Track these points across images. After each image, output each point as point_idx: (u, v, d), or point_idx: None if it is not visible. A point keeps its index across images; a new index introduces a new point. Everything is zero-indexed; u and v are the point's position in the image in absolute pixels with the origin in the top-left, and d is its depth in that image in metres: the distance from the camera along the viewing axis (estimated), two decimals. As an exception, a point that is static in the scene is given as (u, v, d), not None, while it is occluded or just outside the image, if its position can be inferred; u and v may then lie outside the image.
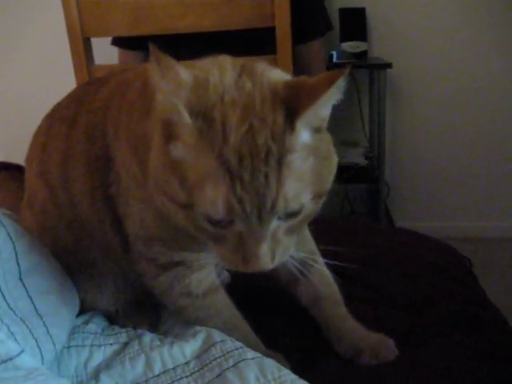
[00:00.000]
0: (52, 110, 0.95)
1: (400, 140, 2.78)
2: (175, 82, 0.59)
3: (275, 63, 1.43)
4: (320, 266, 0.93)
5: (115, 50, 1.84)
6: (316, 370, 0.80)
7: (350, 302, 1.00)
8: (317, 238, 1.04)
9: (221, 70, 0.65)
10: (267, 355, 0.78)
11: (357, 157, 2.53)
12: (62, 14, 1.46)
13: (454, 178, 2.82)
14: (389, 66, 2.35)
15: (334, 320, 0.90)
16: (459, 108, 2.73)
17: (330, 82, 0.60)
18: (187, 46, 1.62)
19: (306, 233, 0.95)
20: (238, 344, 0.80)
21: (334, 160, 0.69)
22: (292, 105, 0.60)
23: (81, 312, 0.94)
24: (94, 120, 0.84)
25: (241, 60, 0.69)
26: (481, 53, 2.63)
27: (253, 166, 0.58)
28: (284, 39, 1.43)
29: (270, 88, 0.62)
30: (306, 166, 0.62)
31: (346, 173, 2.46)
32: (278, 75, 0.67)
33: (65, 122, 0.88)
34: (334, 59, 2.41)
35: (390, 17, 2.64)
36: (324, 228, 1.21)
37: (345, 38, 2.50)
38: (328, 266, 1.10)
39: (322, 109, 0.63)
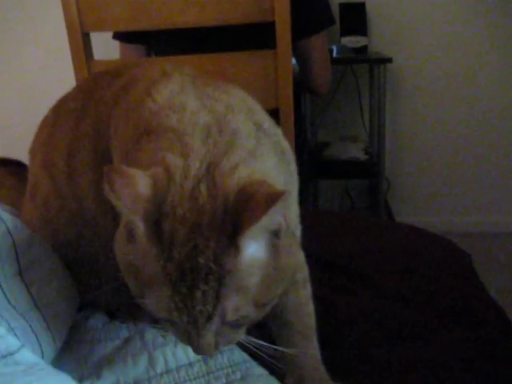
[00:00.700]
0: (59, 101, 0.94)
1: (400, 135, 2.78)
2: (133, 197, 0.58)
3: (275, 58, 1.42)
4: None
5: (115, 45, 1.83)
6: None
7: (349, 296, 1.00)
8: (316, 233, 1.04)
9: (190, 159, 0.63)
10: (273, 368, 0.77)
11: (357, 152, 2.53)
12: (60, 8, 1.45)
13: (454, 172, 2.82)
14: (389, 60, 2.34)
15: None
16: (459, 103, 2.73)
17: (270, 202, 0.56)
18: (188, 39, 1.62)
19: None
20: (246, 357, 0.80)
21: (292, 263, 0.66)
22: (237, 221, 0.58)
23: (81, 307, 0.93)
24: (102, 113, 0.83)
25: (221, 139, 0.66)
26: (481, 47, 2.63)
27: (192, 283, 0.58)
28: (284, 34, 1.42)
29: (223, 199, 0.60)
30: (252, 282, 0.60)
31: (345, 168, 2.46)
32: (244, 174, 0.63)
33: (72, 114, 0.88)
34: (334, 54, 2.41)
35: (390, 11, 2.64)
36: (324, 223, 1.22)
37: (345, 32, 2.50)
38: (328, 263, 1.11)
39: (270, 220, 0.59)
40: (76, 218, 0.87)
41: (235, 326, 0.64)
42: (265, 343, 0.70)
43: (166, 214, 0.60)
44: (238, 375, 0.75)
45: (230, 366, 0.77)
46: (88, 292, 0.92)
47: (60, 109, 0.92)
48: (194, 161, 0.63)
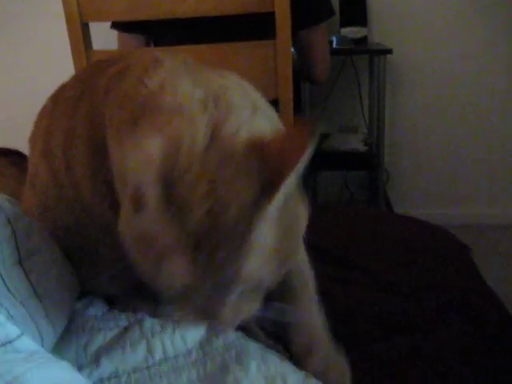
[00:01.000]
0: (57, 90, 0.94)
1: (399, 126, 2.78)
2: (144, 159, 0.57)
3: (275, 48, 1.42)
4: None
5: (114, 35, 1.83)
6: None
7: (348, 288, 1.00)
8: (315, 225, 1.04)
9: (193, 127, 0.62)
10: (267, 345, 0.78)
11: (356, 143, 2.53)
12: (60, -1, 1.45)
13: (453, 164, 2.83)
14: (389, 51, 2.34)
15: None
16: (459, 94, 2.72)
17: (304, 147, 0.55)
18: (188, 29, 1.61)
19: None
20: (240, 334, 0.80)
21: (303, 224, 0.66)
22: (272, 172, 0.56)
23: (81, 296, 0.94)
24: (96, 101, 0.83)
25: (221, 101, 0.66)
26: (482, 38, 2.62)
27: (213, 245, 0.56)
28: (283, 24, 1.41)
29: (239, 157, 0.58)
30: (271, 240, 0.59)
31: (345, 159, 2.46)
32: (251, 132, 0.62)
33: (69, 102, 0.87)
34: (334, 45, 2.40)
35: (390, 2, 2.63)
36: (323, 215, 1.21)
37: (345, 23, 2.49)
38: (327, 254, 1.11)
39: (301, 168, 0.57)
40: (74, 205, 0.87)
41: (255, 290, 0.63)
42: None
43: (180, 176, 0.57)
44: (233, 353, 0.75)
45: (225, 346, 0.77)
46: (87, 280, 0.93)
47: (58, 97, 0.92)
48: (198, 127, 0.61)
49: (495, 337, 0.88)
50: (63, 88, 0.93)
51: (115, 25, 1.81)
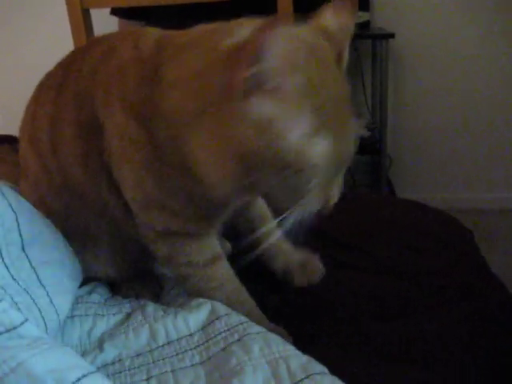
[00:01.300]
0: (42, 78, 0.95)
1: (402, 112, 2.76)
2: (288, 43, 0.60)
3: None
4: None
5: (115, 21, 1.82)
6: (317, 345, 0.81)
7: (350, 271, 1.00)
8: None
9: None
10: (271, 329, 0.79)
11: (359, 128, 2.51)
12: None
13: (456, 149, 2.81)
14: (391, 36, 2.32)
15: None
16: (462, 79, 2.70)
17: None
18: (188, 15, 1.61)
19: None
20: (243, 318, 0.81)
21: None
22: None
23: (84, 282, 0.94)
24: (81, 85, 0.84)
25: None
26: (484, 21, 2.60)
27: (343, 117, 0.68)
28: (285, 7, 1.41)
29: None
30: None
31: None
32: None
33: (52, 88, 0.89)
34: (336, 29, 2.38)
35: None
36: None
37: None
38: (330, 239, 1.11)
39: None
40: (62, 189, 0.88)
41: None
42: None
43: (305, 59, 0.64)
44: (236, 336, 0.76)
45: (228, 330, 0.78)
46: (84, 263, 0.93)
47: (42, 85, 0.93)
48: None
49: (497, 319, 0.88)
50: (48, 76, 0.93)
51: (115, 11, 1.80)
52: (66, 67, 0.90)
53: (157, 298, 0.97)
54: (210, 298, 0.85)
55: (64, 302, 0.80)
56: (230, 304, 0.85)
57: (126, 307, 0.90)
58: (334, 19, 0.72)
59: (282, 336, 0.78)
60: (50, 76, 0.93)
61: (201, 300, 0.86)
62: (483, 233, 2.38)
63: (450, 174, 2.85)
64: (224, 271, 0.89)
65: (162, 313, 0.85)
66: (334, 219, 1.18)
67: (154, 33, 0.83)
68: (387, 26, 2.52)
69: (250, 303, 0.88)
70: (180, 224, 0.83)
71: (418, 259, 1.04)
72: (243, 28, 0.68)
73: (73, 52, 0.95)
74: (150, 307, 0.87)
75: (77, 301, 0.88)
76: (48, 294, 0.77)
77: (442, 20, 2.61)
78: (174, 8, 1.61)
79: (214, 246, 0.89)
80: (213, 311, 0.82)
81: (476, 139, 2.78)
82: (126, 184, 0.81)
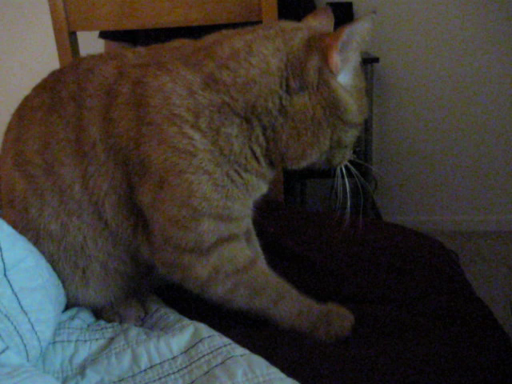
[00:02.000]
0: (19, 105, 0.95)
1: (387, 134, 2.79)
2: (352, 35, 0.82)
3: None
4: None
5: (101, 44, 1.83)
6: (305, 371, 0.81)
7: (335, 298, 1.00)
8: (303, 233, 1.05)
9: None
10: (328, 310, 0.87)
11: (344, 151, 2.52)
12: (47, 7, 1.45)
13: (440, 172, 2.84)
14: (376, 60, 2.35)
15: None
16: (446, 103, 2.74)
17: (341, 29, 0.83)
18: (175, 38, 1.62)
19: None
20: (227, 340, 0.80)
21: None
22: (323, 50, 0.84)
23: (67, 307, 0.93)
24: (86, 105, 0.86)
25: None
26: (468, 46, 2.64)
27: None
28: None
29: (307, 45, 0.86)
30: (359, 90, 0.89)
31: (333, 167, 2.45)
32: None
33: (39, 109, 0.89)
34: (322, 53, 2.41)
35: (376, 11, 2.64)
36: (310, 223, 1.22)
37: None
38: (314, 264, 1.11)
39: None
40: (59, 209, 0.88)
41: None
42: None
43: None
44: (219, 359, 0.75)
45: (211, 352, 0.77)
46: (72, 288, 0.92)
47: (23, 110, 0.92)
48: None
49: (482, 343, 0.88)
50: (26, 101, 0.94)
51: (103, 34, 1.81)
52: (51, 89, 0.90)
53: (140, 321, 0.96)
54: (262, 300, 0.88)
55: (46, 329, 0.79)
56: (280, 299, 0.88)
57: (109, 332, 0.89)
58: (316, 22, 0.93)
59: (344, 315, 0.88)
60: (29, 100, 0.93)
61: (184, 322, 0.86)
62: (468, 255, 2.41)
63: (435, 196, 2.88)
64: (265, 268, 0.92)
65: (144, 336, 0.85)
66: (318, 244, 1.19)
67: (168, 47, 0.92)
68: (371, 50, 2.55)
69: (295, 292, 0.90)
70: (231, 227, 0.87)
71: (403, 284, 1.04)
72: (297, 29, 0.86)
73: (53, 75, 0.95)
74: (133, 331, 0.87)
75: (59, 326, 0.87)
76: (30, 321, 0.76)
77: (426, 45, 2.65)
78: (160, 31, 1.62)
79: (247, 246, 0.92)
80: (196, 333, 0.82)
81: (461, 162, 2.81)
82: (165, 203, 0.83)
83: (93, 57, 0.93)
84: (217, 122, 0.81)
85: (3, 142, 0.95)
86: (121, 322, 0.94)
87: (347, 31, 0.80)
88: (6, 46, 2.75)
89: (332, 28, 0.92)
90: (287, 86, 0.82)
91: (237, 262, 0.87)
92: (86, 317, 0.94)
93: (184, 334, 0.82)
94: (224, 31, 0.88)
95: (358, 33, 0.81)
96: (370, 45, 2.61)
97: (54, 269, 0.90)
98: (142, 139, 0.82)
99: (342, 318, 0.88)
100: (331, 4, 2.46)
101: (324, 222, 1.37)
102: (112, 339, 0.86)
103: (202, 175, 0.81)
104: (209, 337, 0.81)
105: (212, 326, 0.86)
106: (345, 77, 0.84)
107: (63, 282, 0.91)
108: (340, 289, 1.03)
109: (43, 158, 0.87)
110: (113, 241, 0.89)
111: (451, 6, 2.61)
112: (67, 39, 1.47)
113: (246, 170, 0.85)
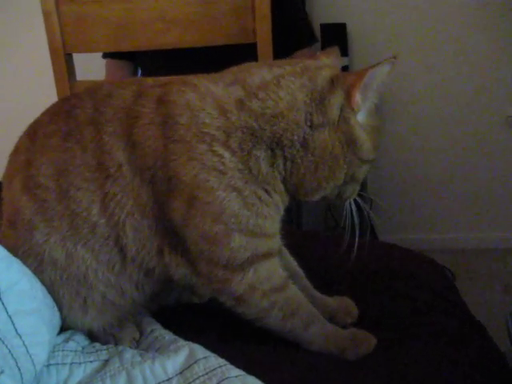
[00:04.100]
0: (30, 128, 0.95)
1: (381, 153, 2.80)
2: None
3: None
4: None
5: (97, 65, 1.84)
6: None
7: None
8: (299, 253, 1.05)
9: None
10: (353, 334, 0.91)
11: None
12: (44, 29, 1.46)
13: (435, 190, 2.86)
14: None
15: (306, 293, 0.98)
16: (440, 124, 2.77)
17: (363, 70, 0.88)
18: (174, 57, 1.63)
19: None
20: (222, 361, 0.80)
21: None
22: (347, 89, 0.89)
23: (62, 330, 0.93)
24: (100, 130, 0.87)
25: None
26: (464, 66, 2.68)
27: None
28: (265, 54, 1.44)
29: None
30: (371, 131, 0.91)
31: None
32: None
33: (54, 135, 0.89)
34: (316, 74, 2.43)
35: (370, 32, 2.67)
36: (306, 243, 1.22)
37: (326, 53, 2.52)
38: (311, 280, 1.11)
39: None
40: (67, 235, 0.87)
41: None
42: None
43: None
44: (214, 381, 0.75)
45: (206, 374, 0.77)
46: (70, 314, 0.92)
47: (36, 134, 0.92)
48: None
49: (476, 362, 0.88)
50: (39, 124, 0.94)
51: (106, 53, 1.83)
52: (67, 115, 0.91)
53: (135, 343, 0.96)
54: (294, 321, 0.89)
55: (41, 352, 0.79)
56: (311, 321, 0.91)
57: (104, 354, 0.89)
58: (329, 60, 0.96)
59: (367, 336, 0.91)
60: (42, 125, 0.93)
61: (179, 343, 0.85)
62: (463, 273, 2.40)
63: (430, 214, 2.89)
64: (296, 289, 0.93)
65: (139, 358, 0.84)
66: (314, 264, 1.19)
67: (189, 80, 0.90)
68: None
69: (322, 317, 0.94)
70: (264, 244, 0.89)
71: (397, 305, 1.04)
72: (320, 67, 0.90)
73: (66, 100, 0.96)
74: (128, 353, 0.87)
75: (53, 349, 0.87)
76: (24, 344, 0.75)
77: (419, 65, 2.67)
78: (159, 50, 1.64)
79: (280, 266, 0.93)
80: (191, 355, 0.82)
81: (455, 180, 2.83)
82: (196, 219, 0.84)
83: (111, 83, 0.95)
84: (249, 143, 0.84)
85: (10, 163, 0.94)
86: (116, 344, 0.94)
87: (370, 73, 0.84)
88: (2, 67, 2.76)
89: (340, 65, 0.97)
90: (311, 121, 0.85)
91: (273, 281, 0.89)
92: (80, 339, 0.93)
93: (179, 356, 0.81)
94: (247, 63, 0.93)
95: (379, 75, 0.85)
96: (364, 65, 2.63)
97: (54, 295, 0.89)
98: (170, 157, 0.84)
99: (366, 339, 0.91)
100: (325, 25, 2.53)
101: (319, 242, 1.37)
102: (107, 361, 0.85)
103: (231, 192, 0.83)
104: (204, 358, 0.80)
105: (208, 345, 0.86)
106: (363, 115, 0.88)
107: (61, 308, 0.90)
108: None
109: (58, 184, 0.87)
110: (120, 268, 0.89)
111: (444, 26, 2.65)
112: (63, 61, 1.48)
113: (274, 190, 0.88)
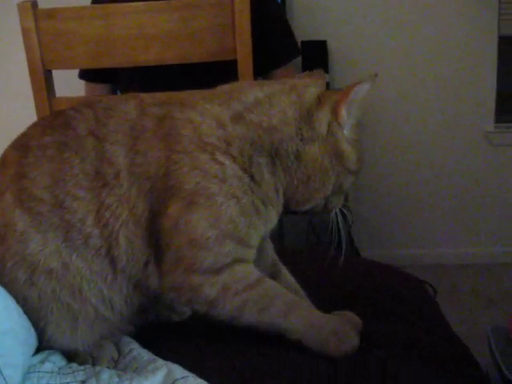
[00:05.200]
0: (17, 141, 0.95)
1: (363, 170, 2.81)
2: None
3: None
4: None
5: (77, 82, 1.84)
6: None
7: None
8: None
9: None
10: (339, 316, 0.93)
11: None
12: (22, 45, 1.45)
13: (417, 206, 2.88)
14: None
15: None
16: (420, 140, 2.81)
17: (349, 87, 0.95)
18: (153, 77, 1.63)
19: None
20: (200, 381, 0.79)
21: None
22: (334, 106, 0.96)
23: (40, 350, 0.91)
24: (102, 140, 0.89)
25: None
26: (443, 83, 2.72)
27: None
28: (245, 71, 1.44)
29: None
30: (354, 146, 0.96)
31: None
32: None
33: (50, 147, 0.90)
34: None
35: (351, 49, 2.70)
36: (288, 261, 1.21)
37: (307, 69, 2.53)
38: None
39: None
40: (62, 246, 0.88)
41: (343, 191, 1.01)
42: None
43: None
44: None
45: None
46: (57, 331, 0.91)
47: (27, 146, 0.92)
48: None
49: (457, 378, 0.88)
50: (29, 137, 0.94)
51: (83, 75, 1.83)
52: (63, 127, 0.92)
53: (113, 363, 0.94)
54: (271, 313, 0.90)
55: (14, 374, 0.77)
56: (292, 309, 0.91)
57: (81, 375, 0.87)
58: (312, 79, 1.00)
59: (353, 319, 0.94)
60: (36, 137, 0.93)
61: (157, 363, 0.84)
62: (446, 288, 2.42)
63: (411, 230, 2.91)
64: (273, 282, 0.95)
65: (117, 379, 0.83)
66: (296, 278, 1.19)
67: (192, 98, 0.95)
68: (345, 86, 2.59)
69: (306, 303, 0.97)
70: (247, 253, 0.92)
71: (378, 323, 1.04)
72: (307, 86, 0.96)
73: (59, 114, 0.96)
74: (105, 374, 0.85)
75: (29, 370, 0.85)
76: (-2, 366, 0.74)
77: (399, 83, 2.71)
78: (138, 70, 1.64)
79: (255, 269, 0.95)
80: (169, 375, 0.81)
81: (438, 196, 2.85)
82: (190, 224, 0.87)
83: (108, 97, 1.02)
84: (249, 150, 0.89)
85: (2, 175, 0.93)
86: (93, 364, 0.92)
87: (354, 90, 0.91)
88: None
89: (324, 86, 1.00)
90: (302, 134, 0.91)
91: (247, 280, 0.91)
92: (57, 359, 0.91)
93: (157, 376, 0.81)
94: (237, 82, 1.03)
95: (362, 92, 0.92)
96: (344, 81, 2.66)
97: (41, 311, 0.88)
98: (172, 166, 0.87)
99: (349, 337, 0.91)
100: (307, 42, 2.55)
101: (301, 260, 1.37)
102: (83, 382, 0.84)
103: (230, 199, 0.87)
104: (182, 378, 0.79)
105: (187, 365, 0.85)
106: (348, 129, 0.94)
107: (46, 325, 0.89)
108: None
109: (53, 195, 0.88)
110: (111, 280, 0.90)
111: (425, 42, 2.68)
112: (43, 77, 1.48)
113: (270, 203, 0.93)
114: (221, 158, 0.88)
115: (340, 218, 1.01)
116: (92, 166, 0.88)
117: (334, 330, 0.91)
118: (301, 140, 0.92)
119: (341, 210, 1.02)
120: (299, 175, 0.92)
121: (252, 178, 0.90)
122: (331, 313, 0.99)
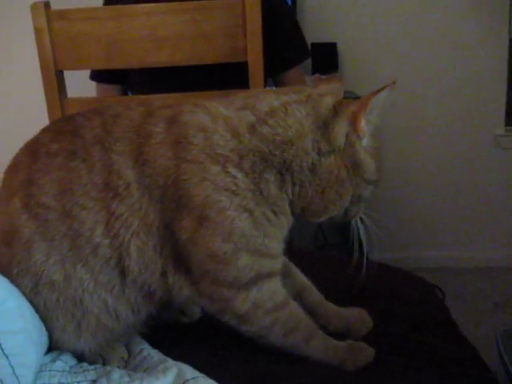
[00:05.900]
0: (29, 146, 0.94)
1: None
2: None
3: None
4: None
5: (88, 83, 1.84)
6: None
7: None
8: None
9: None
10: (350, 346, 0.92)
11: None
12: (35, 46, 1.46)
13: (425, 209, 2.87)
14: (359, 98, 2.38)
15: (320, 305, 1.03)
16: (428, 143, 2.80)
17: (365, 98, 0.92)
18: (164, 78, 1.64)
19: None
20: (211, 382, 0.80)
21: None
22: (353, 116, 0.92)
23: (50, 350, 0.92)
24: (108, 149, 0.87)
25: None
26: (453, 85, 2.71)
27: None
28: (256, 73, 1.44)
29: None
30: (375, 156, 0.94)
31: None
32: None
33: (58, 155, 0.89)
34: (306, 92, 2.45)
35: (360, 51, 2.70)
36: (296, 262, 1.21)
37: (317, 71, 2.55)
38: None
39: None
40: (68, 255, 0.87)
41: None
42: None
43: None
44: None
45: None
46: (63, 336, 0.91)
47: (37, 152, 0.91)
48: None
49: (466, 381, 0.88)
50: (41, 143, 0.93)
51: (94, 76, 1.83)
52: (72, 134, 0.91)
53: (123, 363, 0.95)
54: (294, 336, 0.91)
55: (27, 373, 0.78)
56: (311, 336, 0.92)
57: (91, 374, 0.87)
58: (329, 87, 0.95)
59: (365, 348, 0.92)
60: (44, 143, 0.92)
61: (167, 363, 0.85)
62: (453, 291, 2.41)
63: (419, 233, 2.90)
64: (297, 305, 0.95)
65: (127, 379, 0.83)
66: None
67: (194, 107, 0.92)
68: (356, 89, 2.59)
69: (321, 331, 0.95)
70: (269, 264, 0.91)
71: (388, 326, 1.03)
72: (322, 95, 0.92)
73: (69, 119, 0.96)
74: (116, 374, 0.85)
75: (40, 369, 0.86)
76: (10, 364, 0.74)
77: (409, 85, 2.70)
78: (149, 71, 1.64)
79: (280, 285, 0.94)
80: (179, 375, 0.81)
81: (446, 199, 2.84)
82: (205, 239, 0.85)
83: (119, 105, 0.97)
84: (260, 166, 0.86)
85: (7, 181, 0.93)
86: (104, 364, 0.93)
87: (373, 100, 0.88)
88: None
89: (342, 92, 0.96)
90: (319, 148, 0.88)
91: (275, 299, 0.91)
92: (67, 359, 0.92)
93: (167, 376, 0.81)
94: (254, 89, 1.00)
95: (381, 100, 0.90)
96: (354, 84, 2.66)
97: (47, 318, 0.88)
98: (182, 176, 0.85)
99: (364, 350, 0.93)
100: (317, 44, 2.55)
101: (308, 262, 1.37)
102: (94, 382, 0.84)
103: (242, 213, 0.85)
104: (193, 378, 0.80)
105: (197, 366, 0.85)
106: (366, 139, 0.91)
107: (53, 330, 0.89)
108: (326, 328, 1.02)
109: (61, 203, 0.86)
110: (118, 291, 0.89)
111: (432, 46, 2.67)
112: (54, 78, 1.48)
113: (281, 212, 0.90)
114: (233, 170, 0.85)
115: (361, 226, 1.01)
116: (100, 176, 0.87)
117: (347, 351, 0.92)
118: (317, 153, 0.88)
119: (360, 218, 1.00)
120: (314, 187, 0.89)
121: (261, 192, 0.87)
122: (346, 307, 1.02)
